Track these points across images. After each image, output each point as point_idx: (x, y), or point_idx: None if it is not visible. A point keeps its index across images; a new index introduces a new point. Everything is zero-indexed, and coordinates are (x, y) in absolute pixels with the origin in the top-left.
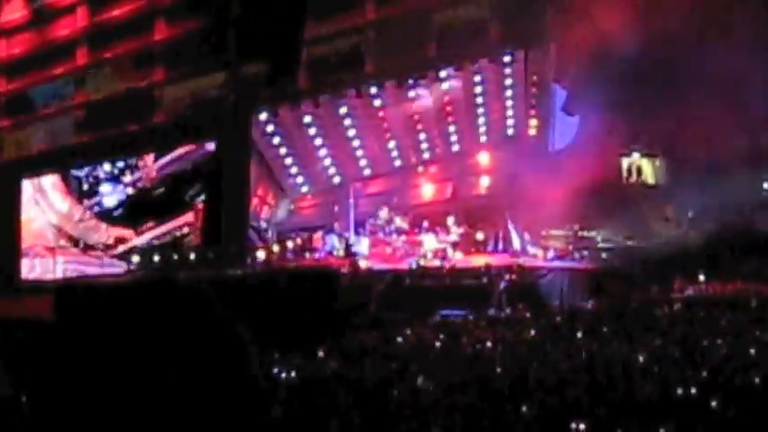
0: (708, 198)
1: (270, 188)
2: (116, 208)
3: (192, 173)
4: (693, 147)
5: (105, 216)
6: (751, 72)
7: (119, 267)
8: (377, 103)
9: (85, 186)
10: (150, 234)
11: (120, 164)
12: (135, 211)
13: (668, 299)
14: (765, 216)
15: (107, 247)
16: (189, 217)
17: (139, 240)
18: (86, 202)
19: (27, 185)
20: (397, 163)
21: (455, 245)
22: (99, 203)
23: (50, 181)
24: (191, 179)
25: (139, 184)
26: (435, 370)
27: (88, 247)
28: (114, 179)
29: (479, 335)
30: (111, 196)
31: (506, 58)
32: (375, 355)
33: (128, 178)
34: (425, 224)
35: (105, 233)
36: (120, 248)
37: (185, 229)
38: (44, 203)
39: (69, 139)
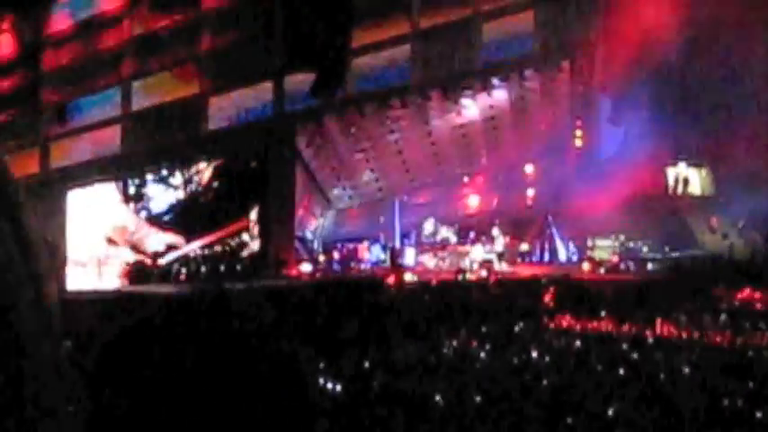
0: (755, 209)
1: (316, 199)
2: (166, 213)
3: (250, 175)
4: (741, 157)
5: (155, 221)
6: None
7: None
8: (423, 113)
9: (132, 189)
10: (200, 241)
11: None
12: (186, 217)
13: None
14: None
15: (155, 256)
16: (242, 224)
17: (189, 247)
18: (133, 206)
19: (78, 195)
20: (443, 174)
21: (500, 255)
22: (146, 207)
23: (104, 190)
24: (246, 183)
25: (191, 187)
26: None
27: (139, 254)
28: (162, 181)
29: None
30: (159, 200)
31: (552, 69)
32: (420, 367)
33: (177, 180)
34: (471, 235)
35: (156, 240)
36: (169, 256)
37: (238, 238)
38: (96, 213)
39: (116, 149)
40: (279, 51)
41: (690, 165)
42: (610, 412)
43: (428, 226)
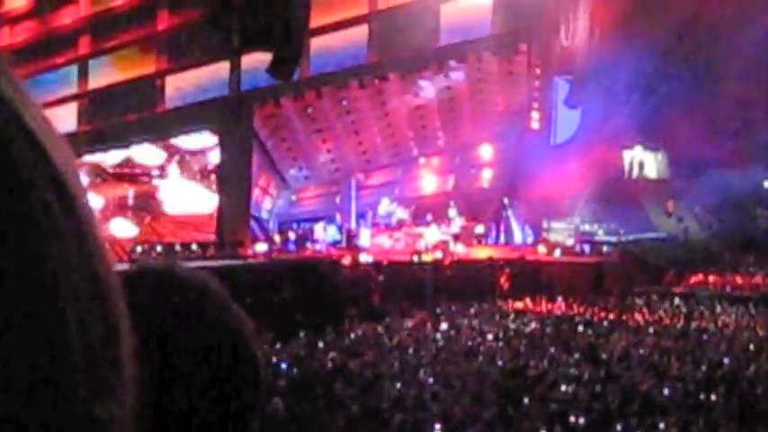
0: (709, 193)
1: (272, 179)
2: None
3: None
4: (696, 141)
5: None
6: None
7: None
8: (380, 94)
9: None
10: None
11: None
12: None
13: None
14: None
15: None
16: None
17: None
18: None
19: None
20: (399, 155)
21: (456, 237)
22: None
23: None
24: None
25: None
26: (435, 362)
27: None
28: None
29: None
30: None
31: (509, 51)
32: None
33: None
34: (428, 216)
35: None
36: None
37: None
38: None
39: (72, 128)
40: (236, 30)
41: (646, 149)
42: (564, 394)
43: (384, 207)
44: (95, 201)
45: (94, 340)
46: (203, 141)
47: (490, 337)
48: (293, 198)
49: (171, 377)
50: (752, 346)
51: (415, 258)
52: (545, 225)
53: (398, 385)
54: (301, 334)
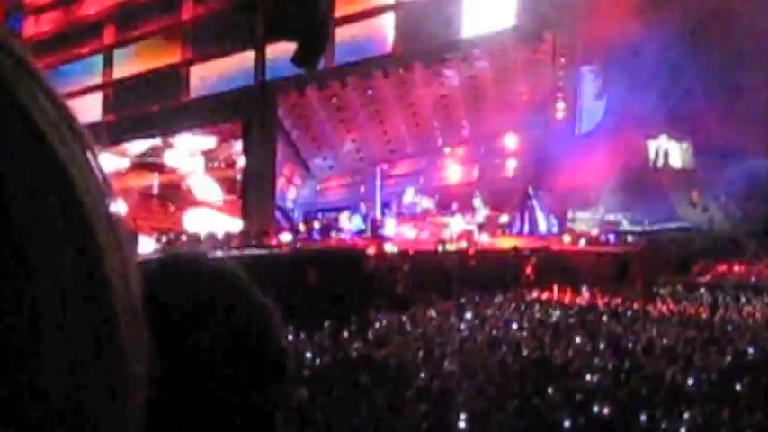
0: (735, 183)
1: (296, 168)
2: None
3: None
4: (721, 131)
5: None
6: None
7: None
8: (405, 84)
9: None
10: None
11: None
12: None
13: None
14: None
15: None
16: None
17: None
18: None
19: None
20: (424, 144)
21: (481, 227)
22: None
23: None
24: None
25: None
26: (460, 352)
27: None
28: None
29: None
30: None
31: (534, 41)
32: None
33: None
34: (452, 206)
35: None
36: None
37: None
38: None
39: (97, 118)
40: (261, 20)
41: (671, 138)
42: (588, 384)
43: (409, 196)
44: (119, 190)
45: (100, 335)
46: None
47: (514, 326)
48: (318, 188)
49: (197, 366)
50: None
51: (440, 248)
52: (570, 215)
53: (422, 375)
54: (326, 324)
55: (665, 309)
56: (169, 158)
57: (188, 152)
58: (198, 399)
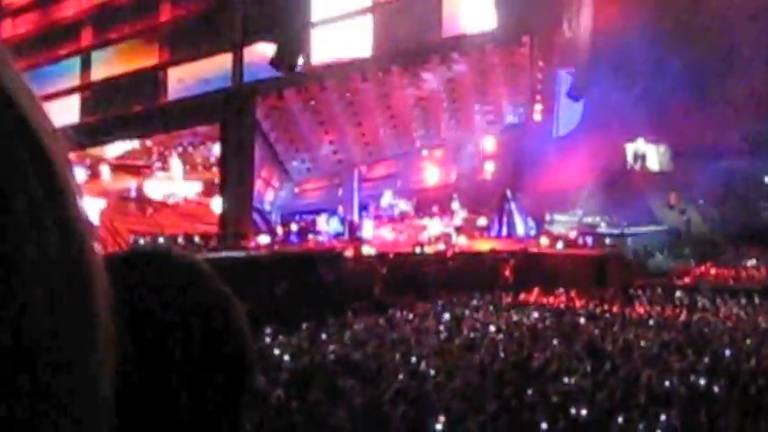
0: (712, 186)
1: (274, 171)
2: None
3: None
4: (699, 134)
5: None
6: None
7: None
8: (383, 86)
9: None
10: None
11: None
12: None
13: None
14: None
15: None
16: None
17: None
18: None
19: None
20: (402, 147)
21: (459, 229)
22: None
23: None
24: None
25: None
26: (438, 354)
27: None
28: None
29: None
30: None
31: (513, 44)
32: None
33: None
34: (430, 209)
35: None
36: None
37: None
38: None
39: (73, 121)
40: (239, 23)
41: (648, 141)
42: (566, 386)
43: (387, 199)
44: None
45: (68, 324)
46: None
47: (492, 329)
48: (296, 190)
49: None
50: (754, 339)
51: (418, 250)
52: (548, 217)
53: (400, 377)
54: (303, 326)
55: (642, 311)
56: (147, 161)
57: (166, 154)
58: (158, 390)
